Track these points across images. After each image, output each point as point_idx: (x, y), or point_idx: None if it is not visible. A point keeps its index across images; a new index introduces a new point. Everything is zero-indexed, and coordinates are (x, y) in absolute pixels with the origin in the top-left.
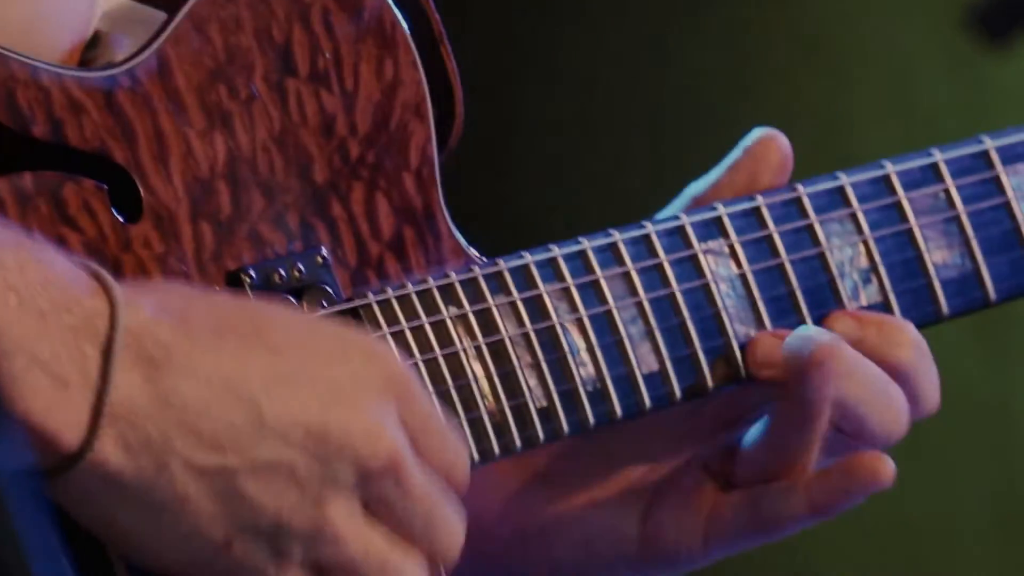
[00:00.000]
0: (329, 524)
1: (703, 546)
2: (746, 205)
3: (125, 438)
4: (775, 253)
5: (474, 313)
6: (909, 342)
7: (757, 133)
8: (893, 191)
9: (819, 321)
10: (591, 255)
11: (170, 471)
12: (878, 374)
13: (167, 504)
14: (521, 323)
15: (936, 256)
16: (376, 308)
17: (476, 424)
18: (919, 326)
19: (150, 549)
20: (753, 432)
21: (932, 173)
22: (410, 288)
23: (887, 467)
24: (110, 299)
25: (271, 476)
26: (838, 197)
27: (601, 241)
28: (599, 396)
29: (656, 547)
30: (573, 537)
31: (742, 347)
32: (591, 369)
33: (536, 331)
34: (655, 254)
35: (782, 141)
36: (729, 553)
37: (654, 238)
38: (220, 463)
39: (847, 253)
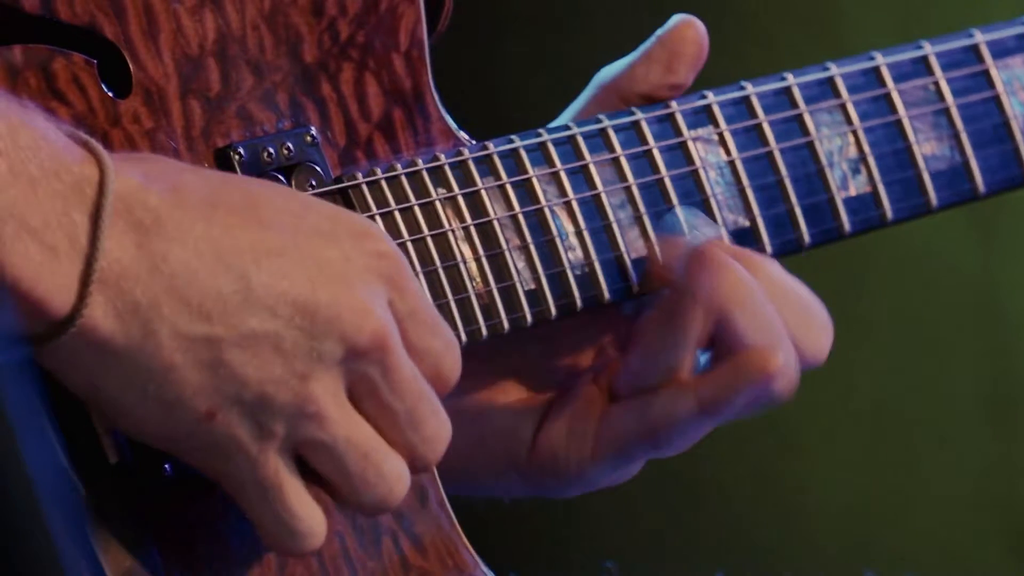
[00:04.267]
0: (312, 401)
1: (592, 457)
2: (736, 94)
3: (114, 303)
4: (764, 141)
5: (463, 195)
6: (767, 278)
7: (674, 21)
8: (883, 83)
9: (808, 210)
10: (580, 141)
11: (157, 338)
12: (758, 292)
13: (153, 371)
14: (510, 206)
15: (926, 148)
16: (365, 189)
17: (464, 305)
18: (908, 217)
19: (134, 417)
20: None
21: (922, 65)
22: (399, 169)
23: (776, 360)
24: (100, 166)
25: (257, 348)
26: (828, 88)
27: (591, 127)
28: (587, 280)
29: (546, 455)
30: (468, 434)
31: (732, 233)
32: (579, 253)
33: (524, 214)
34: (644, 141)
35: (699, 30)
36: (619, 467)
37: (644, 125)
38: (207, 332)
39: (836, 143)
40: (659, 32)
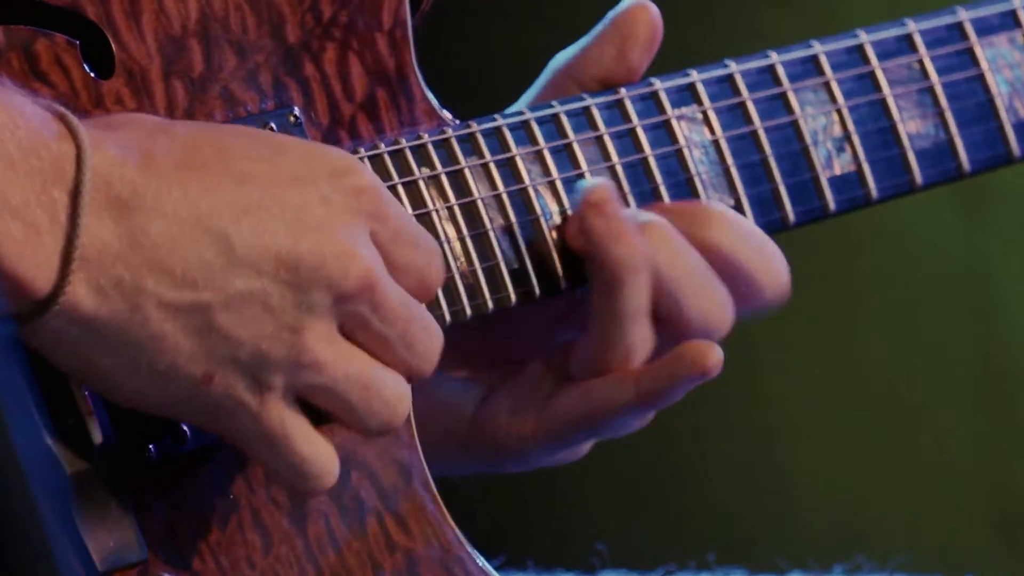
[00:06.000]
0: (308, 351)
1: (533, 438)
2: (720, 72)
3: (96, 281)
4: (748, 120)
5: (447, 175)
6: (722, 222)
7: (627, 3)
8: (867, 60)
9: (793, 188)
10: (564, 119)
11: (144, 311)
12: (695, 258)
13: (143, 344)
14: (493, 185)
15: (910, 126)
16: None
17: (448, 285)
18: (893, 196)
19: (129, 388)
20: None
21: (906, 43)
22: (383, 149)
23: (714, 355)
24: (76, 142)
25: (246, 308)
26: (812, 66)
27: (574, 105)
28: (572, 259)
29: (486, 431)
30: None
31: None
32: (564, 232)
33: (508, 193)
34: (628, 119)
35: (652, 13)
36: (560, 450)
37: (627, 103)
38: (194, 299)
39: (821, 122)
40: (611, 14)
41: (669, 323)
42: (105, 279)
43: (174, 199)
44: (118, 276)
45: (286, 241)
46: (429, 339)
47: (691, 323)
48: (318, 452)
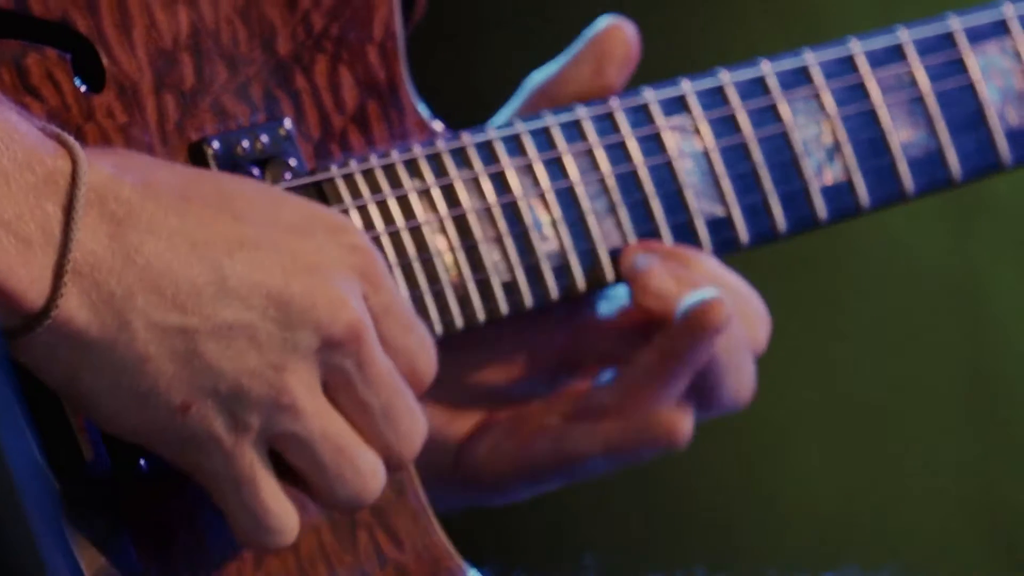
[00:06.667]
0: (287, 392)
1: (512, 475)
2: (711, 83)
3: (88, 295)
4: (739, 130)
5: (438, 187)
6: (704, 273)
7: (603, 23)
8: (858, 70)
9: (784, 198)
10: (555, 131)
11: (132, 329)
12: (743, 339)
13: (128, 364)
14: (484, 198)
15: (901, 135)
16: (340, 182)
17: (440, 297)
18: (884, 205)
19: (109, 410)
20: (608, 375)
21: (897, 52)
22: (374, 162)
23: (684, 427)
24: (73, 158)
25: (231, 339)
26: (803, 76)
27: (565, 117)
28: (562, 270)
29: (468, 464)
30: None
31: (708, 223)
32: (555, 243)
33: (501, 205)
34: (619, 130)
35: (628, 32)
36: (535, 490)
37: (618, 115)
38: (181, 323)
39: (812, 131)
40: (588, 33)
41: (700, 399)
42: (97, 294)
43: (171, 222)
44: (110, 291)
45: (278, 280)
46: (413, 421)
47: (722, 400)
48: (283, 509)
